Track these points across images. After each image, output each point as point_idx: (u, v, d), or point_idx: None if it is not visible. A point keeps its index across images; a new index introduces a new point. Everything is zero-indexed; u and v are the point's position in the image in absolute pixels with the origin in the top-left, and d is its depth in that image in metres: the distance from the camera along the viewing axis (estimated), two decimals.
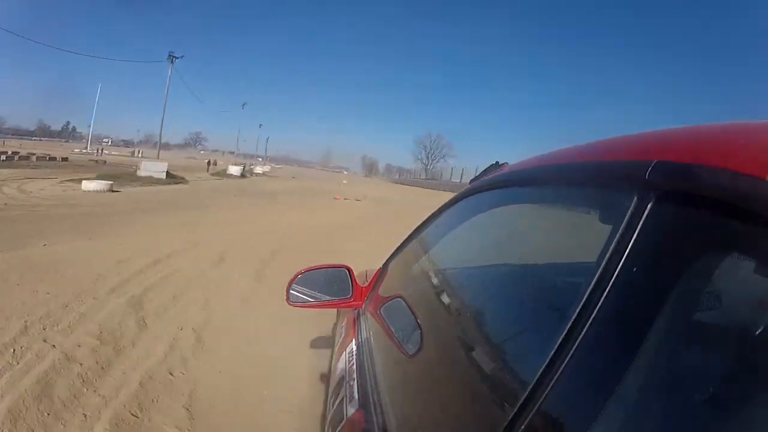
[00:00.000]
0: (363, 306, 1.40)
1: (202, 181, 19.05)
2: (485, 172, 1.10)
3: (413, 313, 1.02)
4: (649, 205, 0.45)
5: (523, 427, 0.46)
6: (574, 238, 0.76)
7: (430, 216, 1.33)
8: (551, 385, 0.45)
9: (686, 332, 0.44)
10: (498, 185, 0.96)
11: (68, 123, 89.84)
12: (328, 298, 1.41)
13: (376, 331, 1.17)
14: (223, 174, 27.08)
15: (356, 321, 1.37)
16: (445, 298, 1.06)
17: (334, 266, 1.45)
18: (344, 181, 41.64)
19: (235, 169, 29.14)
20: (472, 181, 1.12)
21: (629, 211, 0.46)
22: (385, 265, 1.48)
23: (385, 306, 1.22)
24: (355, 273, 1.45)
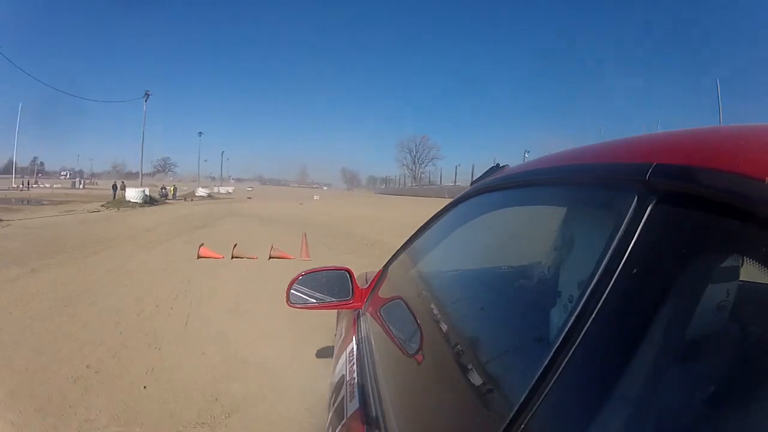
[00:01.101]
0: (363, 307, 1.40)
1: (38, 219, 12.38)
2: (486, 174, 1.10)
3: (413, 313, 1.02)
4: (649, 207, 0.45)
5: (522, 426, 0.46)
6: (575, 240, 0.76)
7: (430, 218, 1.34)
8: (551, 384, 0.45)
9: (685, 332, 0.44)
10: (498, 187, 0.96)
11: (35, 158, 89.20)
12: (328, 299, 1.41)
13: (376, 332, 1.17)
14: (116, 203, 20.62)
15: (356, 322, 1.38)
16: (446, 299, 1.06)
17: (334, 268, 1.45)
18: (315, 197, 37.94)
19: (134, 194, 22.61)
20: (473, 183, 1.12)
21: (630, 213, 0.47)
22: (386, 267, 1.48)
23: (385, 307, 1.23)
24: (355, 275, 1.45)
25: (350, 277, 1.42)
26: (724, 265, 0.44)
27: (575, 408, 0.44)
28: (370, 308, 1.34)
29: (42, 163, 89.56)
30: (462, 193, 1.17)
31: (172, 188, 33.52)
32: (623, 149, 0.60)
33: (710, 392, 0.42)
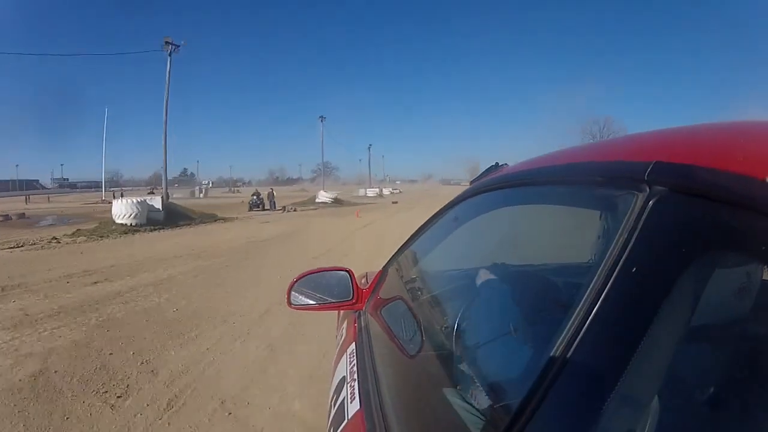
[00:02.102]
0: (364, 308, 1.40)
1: None
2: (485, 173, 1.10)
3: (413, 314, 1.02)
4: (648, 206, 0.45)
5: (524, 426, 0.46)
6: (574, 238, 0.76)
7: (430, 218, 1.34)
8: (551, 384, 0.45)
9: (685, 332, 0.44)
10: (497, 186, 0.96)
11: (185, 169, 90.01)
12: (329, 300, 1.41)
13: (376, 332, 1.17)
14: (101, 228, 12.31)
15: (357, 322, 1.38)
16: (446, 299, 1.06)
17: (335, 269, 1.45)
18: None
19: (122, 210, 13.13)
20: (472, 182, 1.12)
21: (629, 212, 0.46)
22: (386, 267, 1.48)
23: (386, 307, 1.23)
24: (356, 275, 1.45)
25: (351, 277, 1.42)
26: (723, 263, 0.44)
27: (576, 407, 0.44)
28: (371, 309, 1.34)
29: (192, 174, 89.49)
30: (461, 192, 1.16)
31: (266, 193, 25.33)
32: (623, 147, 0.60)
33: (712, 391, 0.42)
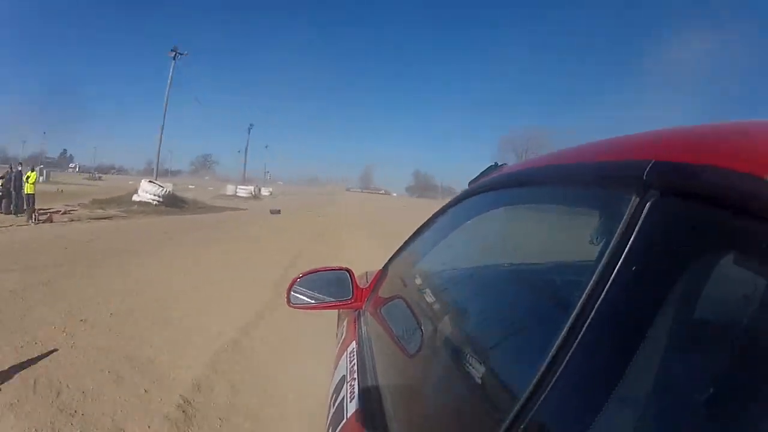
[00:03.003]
0: (363, 307, 1.40)
1: None
2: (484, 173, 1.10)
3: (413, 313, 1.02)
4: (647, 205, 0.45)
5: (523, 426, 0.46)
6: (573, 238, 0.76)
7: (430, 218, 1.34)
8: (551, 384, 0.45)
9: (685, 332, 0.44)
10: (496, 186, 0.96)
11: (65, 150, 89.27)
12: (329, 299, 1.41)
13: (376, 332, 1.17)
14: None
15: (356, 322, 1.38)
16: (446, 299, 1.06)
17: (334, 269, 1.45)
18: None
19: None
20: (470, 182, 1.12)
21: (627, 211, 0.46)
22: (386, 266, 1.48)
23: (386, 307, 1.23)
24: (356, 275, 1.45)
25: (350, 276, 1.42)
26: (723, 263, 0.44)
27: (576, 408, 0.44)
28: (371, 308, 1.34)
29: (71, 156, 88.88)
30: (460, 192, 1.16)
31: (27, 175, 11.26)
32: (621, 147, 0.60)
33: (711, 392, 0.42)
